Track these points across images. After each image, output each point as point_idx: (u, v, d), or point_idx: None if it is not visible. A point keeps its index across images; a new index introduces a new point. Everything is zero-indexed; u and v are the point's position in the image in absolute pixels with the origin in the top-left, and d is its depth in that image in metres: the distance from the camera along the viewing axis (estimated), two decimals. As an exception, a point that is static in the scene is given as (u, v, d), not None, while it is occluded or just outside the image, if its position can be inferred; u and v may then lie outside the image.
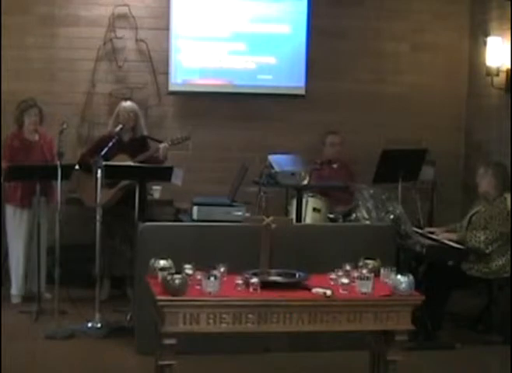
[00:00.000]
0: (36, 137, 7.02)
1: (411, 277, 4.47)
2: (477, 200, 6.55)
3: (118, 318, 6.37)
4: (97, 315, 6.20)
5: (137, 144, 7.05)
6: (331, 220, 6.92)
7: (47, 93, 7.66)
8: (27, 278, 7.02)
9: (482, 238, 6.13)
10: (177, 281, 4.26)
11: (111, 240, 7.04)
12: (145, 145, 7.11)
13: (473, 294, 6.73)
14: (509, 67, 7.52)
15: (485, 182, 6.36)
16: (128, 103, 7.20)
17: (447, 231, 6.45)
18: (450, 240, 6.21)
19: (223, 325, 4.34)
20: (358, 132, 8.09)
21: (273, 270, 4.67)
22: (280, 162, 7.05)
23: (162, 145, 7.04)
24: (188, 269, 4.53)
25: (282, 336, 5.34)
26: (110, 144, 6.56)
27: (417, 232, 6.34)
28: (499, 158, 7.34)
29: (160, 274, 4.44)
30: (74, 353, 5.78)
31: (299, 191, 6.86)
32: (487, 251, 6.14)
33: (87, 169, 6.70)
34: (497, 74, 7.68)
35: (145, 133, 7.20)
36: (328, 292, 4.39)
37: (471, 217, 6.41)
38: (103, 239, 6.69)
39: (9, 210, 6.99)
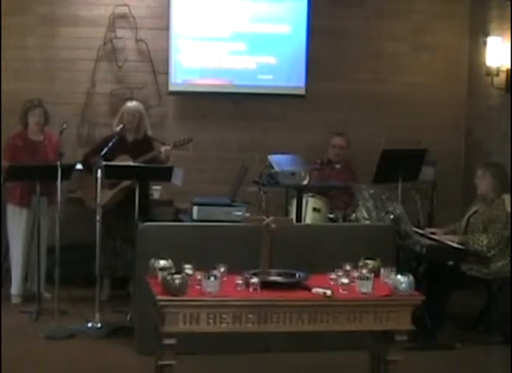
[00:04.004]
0: (41, 138, 7.01)
1: (411, 277, 4.47)
2: (475, 200, 6.55)
3: (118, 318, 6.37)
4: (97, 315, 6.20)
5: (141, 145, 7.04)
6: (331, 220, 6.92)
7: (47, 93, 7.64)
8: (27, 278, 7.02)
9: (485, 242, 6.12)
10: (177, 281, 4.26)
11: (112, 240, 7.03)
12: (150, 146, 7.09)
13: (473, 294, 6.73)
14: (509, 67, 7.52)
15: (484, 183, 6.35)
16: (133, 103, 7.17)
17: (448, 233, 6.45)
18: (452, 241, 6.20)
19: (223, 325, 4.34)
20: (358, 132, 8.09)
21: (273, 270, 4.67)
22: (280, 162, 7.05)
23: (164, 148, 7.01)
24: (188, 269, 4.53)
25: (282, 336, 5.34)
26: (111, 144, 6.56)
27: (417, 232, 6.34)
28: (499, 158, 7.34)
29: (160, 274, 4.44)
30: (74, 353, 5.78)
31: (299, 191, 6.86)
32: (489, 254, 6.14)
33: (90, 168, 6.69)
34: (497, 74, 7.68)
35: (150, 133, 7.18)
36: (328, 292, 4.39)
37: (469, 218, 6.41)
38: (103, 239, 6.71)
39: (9, 210, 6.98)
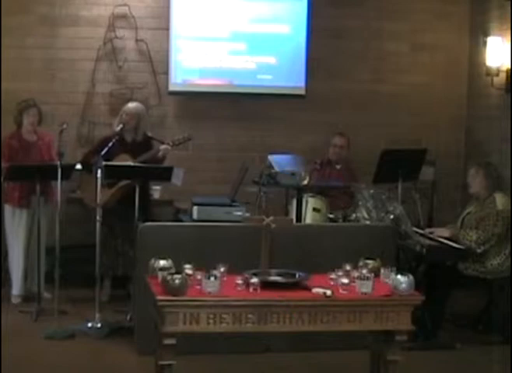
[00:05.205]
0: (35, 138, 7.01)
1: (411, 277, 4.47)
2: (470, 201, 6.56)
3: (118, 318, 6.37)
4: (97, 315, 6.19)
5: (139, 145, 7.04)
6: (331, 220, 6.92)
7: (47, 93, 7.66)
8: (27, 278, 7.02)
9: (474, 237, 6.12)
10: (177, 281, 4.26)
11: (114, 240, 7.03)
12: (149, 146, 7.09)
13: (473, 294, 6.73)
14: (509, 67, 7.52)
15: (477, 182, 6.36)
16: (132, 104, 7.17)
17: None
18: (443, 237, 6.22)
19: (223, 325, 4.34)
20: (358, 132, 8.09)
21: (273, 270, 4.68)
22: (280, 162, 7.05)
23: (163, 146, 7.01)
24: (188, 269, 4.53)
25: (282, 336, 5.34)
26: (110, 144, 6.56)
27: (417, 232, 6.34)
28: (499, 158, 7.34)
29: (160, 274, 4.44)
30: (74, 353, 5.78)
31: (299, 191, 6.86)
32: (479, 251, 6.13)
33: (89, 168, 6.69)
34: (497, 75, 7.68)
35: (149, 134, 7.18)
36: (328, 292, 4.39)
37: (463, 219, 6.41)
38: (105, 239, 6.71)
39: (8, 211, 6.98)
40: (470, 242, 6.12)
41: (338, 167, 7.67)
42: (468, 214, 6.40)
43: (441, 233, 6.30)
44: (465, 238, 6.15)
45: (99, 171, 6.25)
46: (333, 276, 4.65)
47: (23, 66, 7.78)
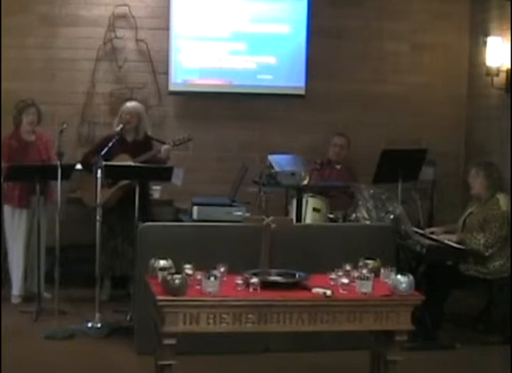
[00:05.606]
0: (33, 138, 7.00)
1: (411, 277, 4.47)
2: (470, 202, 6.55)
3: (118, 318, 6.37)
4: (97, 315, 6.20)
5: (140, 145, 7.03)
6: (331, 220, 6.92)
7: (47, 93, 7.66)
8: (27, 278, 7.02)
9: (482, 241, 6.11)
10: (177, 281, 4.26)
11: (114, 240, 7.03)
12: (150, 146, 7.08)
13: (473, 294, 6.73)
14: (509, 67, 7.52)
15: (478, 183, 6.35)
16: (132, 104, 7.18)
17: (447, 232, 6.45)
18: (450, 240, 6.20)
19: (223, 325, 4.34)
20: (358, 132, 8.09)
21: (273, 270, 4.68)
22: (280, 162, 7.05)
23: (164, 147, 7.01)
24: (188, 269, 4.53)
25: (282, 336, 5.34)
26: (111, 144, 6.56)
27: (417, 232, 6.34)
28: (499, 158, 7.33)
29: (160, 274, 4.44)
30: (74, 353, 5.78)
31: (299, 191, 6.86)
32: (486, 254, 6.12)
33: (89, 168, 6.69)
34: (497, 75, 7.68)
35: (150, 133, 7.18)
36: (328, 292, 4.39)
37: (465, 220, 6.40)
38: (104, 239, 6.71)
39: (8, 211, 6.97)
40: (478, 245, 6.10)
41: (338, 167, 7.67)
42: (470, 214, 6.39)
43: (448, 238, 6.26)
44: (473, 241, 6.13)
45: (99, 171, 6.26)
46: (333, 276, 4.65)
47: (23, 66, 7.78)
